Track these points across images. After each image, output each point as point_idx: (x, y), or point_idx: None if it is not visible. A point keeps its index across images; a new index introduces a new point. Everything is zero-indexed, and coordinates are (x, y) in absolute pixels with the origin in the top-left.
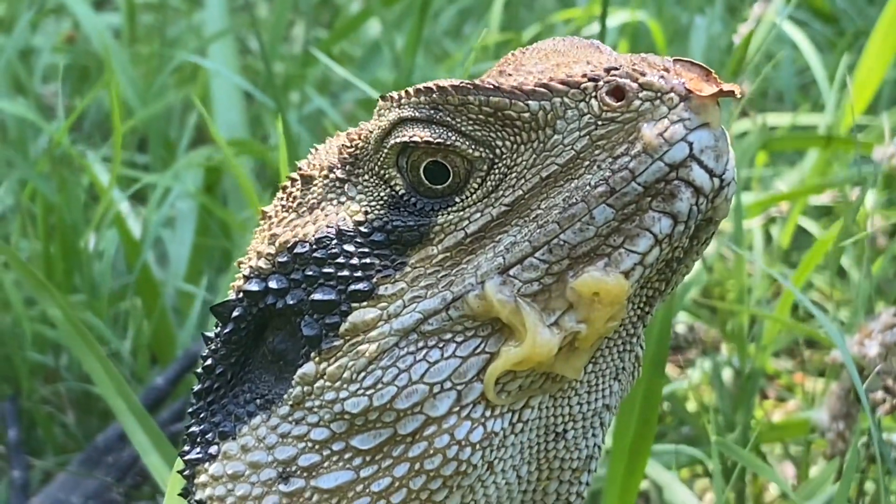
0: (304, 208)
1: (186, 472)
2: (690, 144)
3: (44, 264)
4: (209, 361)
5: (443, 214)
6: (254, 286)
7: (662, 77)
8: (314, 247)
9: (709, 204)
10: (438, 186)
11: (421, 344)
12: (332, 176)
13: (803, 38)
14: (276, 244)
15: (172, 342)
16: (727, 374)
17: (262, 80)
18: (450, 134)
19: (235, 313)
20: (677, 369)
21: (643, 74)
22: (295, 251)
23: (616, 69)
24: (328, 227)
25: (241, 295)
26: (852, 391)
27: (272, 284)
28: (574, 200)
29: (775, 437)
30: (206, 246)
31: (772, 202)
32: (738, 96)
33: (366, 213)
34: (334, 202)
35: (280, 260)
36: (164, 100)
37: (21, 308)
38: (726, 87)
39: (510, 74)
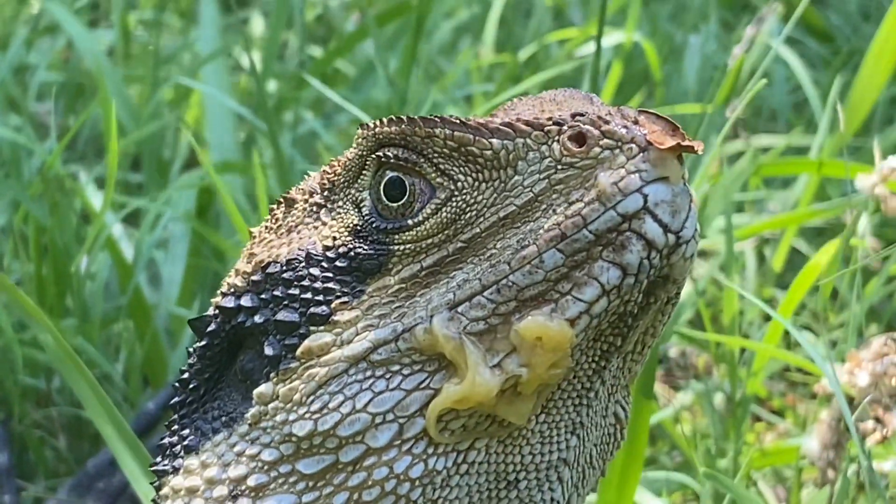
0: (283, 230)
1: (155, 483)
2: (645, 196)
3: (36, 287)
4: (185, 375)
5: (399, 240)
6: (229, 303)
7: (625, 127)
8: (284, 268)
9: (663, 260)
10: (394, 204)
11: (369, 373)
12: (311, 200)
13: (796, 59)
14: (253, 263)
15: (164, 365)
16: (718, 399)
17: (256, 101)
18: (418, 158)
19: (210, 328)
20: (669, 393)
21: (606, 123)
22: (267, 271)
23: (581, 115)
24: (300, 249)
25: (216, 311)
26: (842, 421)
27: (244, 302)
28: (527, 242)
29: (766, 462)
30: (198, 268)
31: (763, 228)
32: (699, 153)
33: (334, 238)
34: (310, 226)
35: (254, 279)
36: (157, 121)
37: (11, 332)
38: (688, 143)
39: (495, 115)
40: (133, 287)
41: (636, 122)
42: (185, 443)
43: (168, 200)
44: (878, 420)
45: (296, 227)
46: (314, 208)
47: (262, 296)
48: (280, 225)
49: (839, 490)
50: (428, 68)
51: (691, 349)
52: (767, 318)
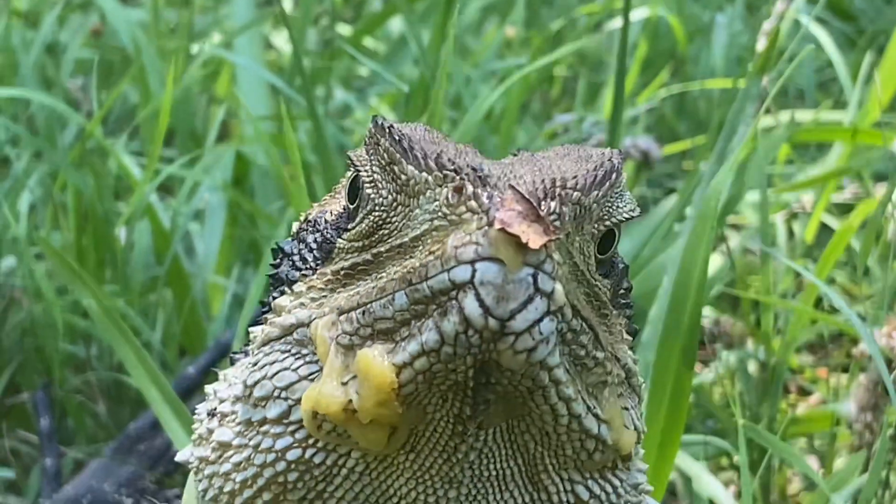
0: (333, 193)
1: None
2: (474, 271)
3: (76, 255)
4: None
5: (342, 238)
6: (283, 244)
7: (490, 197)
8: (304, 226)
9: (485, 345)
10: (351, 205)
11: (288, 347)
12: (349, 172)
13: (826, 35)
14: (303, 216)
15: (202, 334)
16: (752, 368)
17: (287, 75)
18: (368, 162)
19: (271, 261)
20: (702, 363)
21: (483, 185)
22: (302, 225)
23: (475, 170)
24: (320, 213)
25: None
26: (880, 383)
27: (283, 245)
28: (392, 277)
29: (800, 429)
30: (235, 237)
31: (800, 187)
32: (542, 258)
33: (334, 213)
34: (337, 196)
35: (296, 229)
36: (191, 93)
37: (53, 298)
38: (533, 240)
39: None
40: (172, 255)
41: (502, 191)
42: (232, 357)
43: (206, 168)
44: None
45: (336, 194)
46: (348, 179)
47: (291, 247)
48: (338, 189)
49: (878, 451)
50: (456, 45)
51: (726, 318)
52: (798, 291)
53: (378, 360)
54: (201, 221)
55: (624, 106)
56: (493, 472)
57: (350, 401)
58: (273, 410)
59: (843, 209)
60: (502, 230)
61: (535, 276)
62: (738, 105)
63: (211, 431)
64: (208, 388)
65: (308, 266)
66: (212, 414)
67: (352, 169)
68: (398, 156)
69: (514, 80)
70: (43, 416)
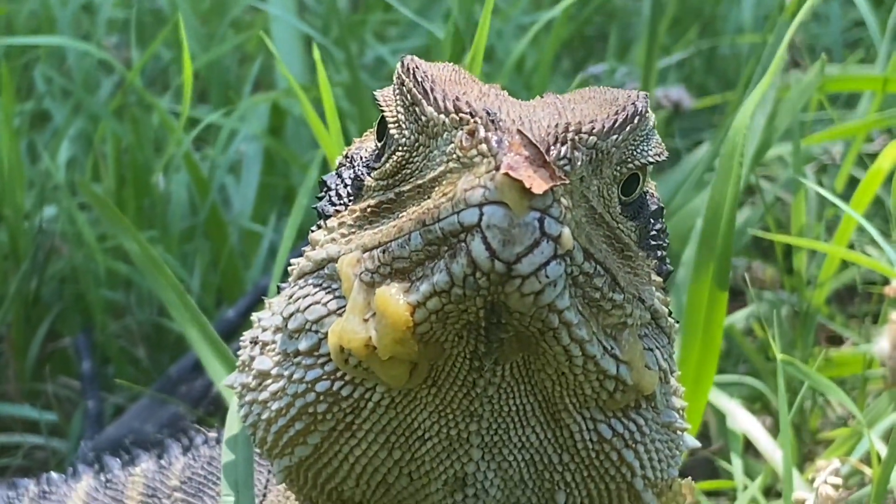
0: (372, 130)
1: None
2: (481, 215)
3: (116, 203)
4: None
5: (369, 177)
6: (327, 178)
7: (499, 141)
8: (343, 161)
9: (493, 287)
10: (379, 143)
11: (319, 281)
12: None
13: None
14: (346, 150)
15: (240, 281)
16: (784, 314)
17: (322, 30)
18: (394, 103)
19: (318, 195)
20: (735, 309)
21: (494, 129)
22: (341, 160)
23: (489, 114)
24: (356, 150)
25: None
26: None
27: (326, 179)
28: (411, 217)
29: (832, 372)
30: (271, 186)
31: (830, 137)
32: (548, 203)
33: (370, 150)
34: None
35: (339, 163)
36: (225, 45)
37: (95, 244)
38: (537, 185)
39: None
40: (210, 203)
41: (511, 136)
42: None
43: (242, 117)
44: None
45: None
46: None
47: (332, 180)
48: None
49: None
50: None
51: (758, 264)
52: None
53: (395, 299)
54: (237, 174)
55: (656, 55)
56: (513, 408)
57: (370, 337)
58: (304, 343)
59: (873, 160)
60: (507, 175)
61: (541, 221)
62: (766, 55)
63: (252, 359)
64: (254, 316)
65: (342, 202)
66: (254, 342)
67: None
68: (419, 97)
69: (541, 25)
70: (84, 360)
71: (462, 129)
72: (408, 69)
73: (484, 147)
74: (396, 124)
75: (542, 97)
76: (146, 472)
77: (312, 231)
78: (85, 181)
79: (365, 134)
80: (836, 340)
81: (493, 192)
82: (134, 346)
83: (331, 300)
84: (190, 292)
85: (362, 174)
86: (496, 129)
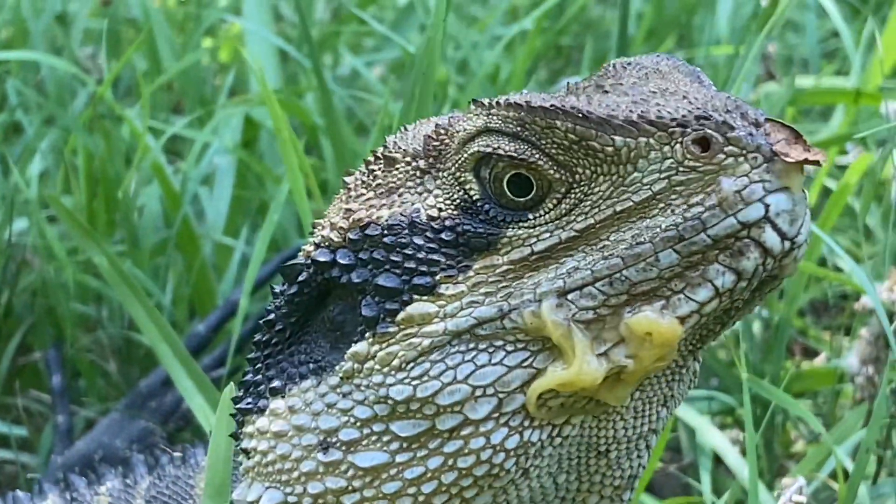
0: (383, 189)
1: (237, 419)
2: (767, 206)
3: (87, 217)
4: (272, 316)
5: (513, 228)
6: (323, 256)
7: (751, 134)
8: (385, 232)
9: (776, 263)
10: (521, 199)
11: (472, 346)
12: (414, 164)
13: (830, 2)
14: (350, 220)
15: (212, 295)
16: (756, 329)
17: (296, 42)
18: (534, 152)
19: (301, 277)
20: None
21: (732, 129)
22: (366, 231)
23: (706, 119)
24: (402, 215)
25: (308, 261)
26: (881, 336)
27: (340, 259)
28: (642, 240)
29: (803, 386)
30: (243, 200)
31: None
32: (823, 164)
33: (440, 209)
34: (412, 191)
35: (351, 237)
36: (198, 54)
37: (65, 258)
38: (813, 155)
39: (606, 92)
40: (181, 217)
41: (757, 126)
42: (271, 384)
43: (215, 129)
44: None
45: (397, 189)
46: (418, 173)
47: (360, 255)
48: (379, 183)
49: (878, 403)
50: (462, 13)
51: None
52: None
53: (662, 320)
54: (211, 186)
55: None
56: (686, 376)
57: (614, 368)
58: (482, 409)
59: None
60: (784, 161)
61: (804, 189)
62: (736, 68)
63: (336, 462)
64: (273, 427)
65: (441, 267)
66: (324, 447)
67: (497, 160)
68: (593, 132)
69: (513, 36)
70: (55, 375)
71: (680, 142)
72: (541, 114)
73: (733, 148)
74: (556, 167)
75: (623, 68)
76: (111, 490)
77: (404, 310)
78: (53, 194)
79: (341, 203)
80: (815, 352)
81: (775, 181)
82: (105, 360)
83: (504, 357)
84: (161, 306)
85: (475, 230)
86: (731, 127)
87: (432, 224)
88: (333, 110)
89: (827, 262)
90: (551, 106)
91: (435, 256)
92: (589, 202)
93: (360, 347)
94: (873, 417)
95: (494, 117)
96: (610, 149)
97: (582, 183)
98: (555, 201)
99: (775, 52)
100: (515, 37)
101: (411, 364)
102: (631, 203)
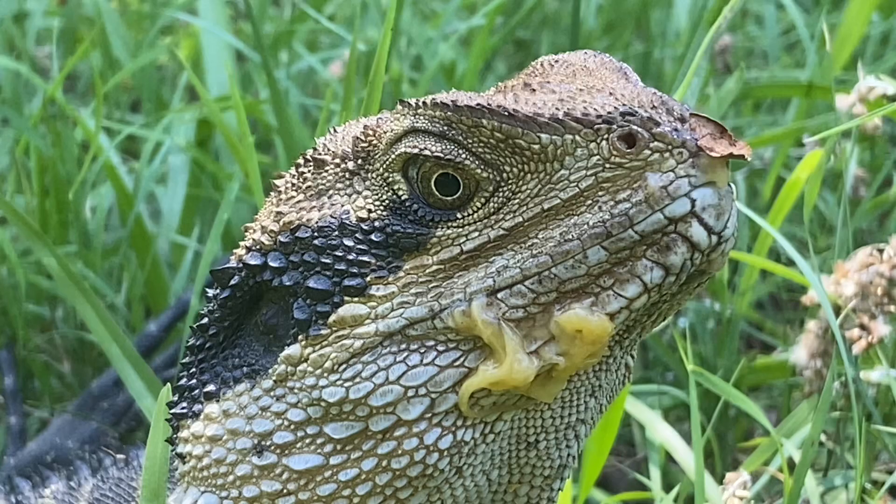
0: (313, 192)
1: (173, 423)
2: (693, 201)
3: (39, 218)
4: (204, 320)
5: (442, 227)
6: (254, 260)
7: (676, 130)
8: (315, 234)
9: (704, 258)
10: (448, 198)
11: (403, 346)
12: (343, 166)
13: None
14: (280, 223)
15: (166, 294)
16: (710, 324)
17: (252, 40)
18: (460, 151)
19: (233, 281)
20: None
21: (657, 124)
22: (297, 234)
23: (632, 115)
24: (332, 217)
25: (240, 265)
26: (829, 330)
27: (271, 262)
28: (570, 237)
29: (758, 379)
30: (198, 198)
31: (757, 145)
32: (749, 159)
33: (369, 210)
34: (342, 193)
35: (281, 240)
36: (153, 53)
37: (16, 259)
38: (738, 149)
39: (533, 90)
40: (134, 215)
41: (683, 121)
42: (206, 389)
43: (167, 128)
44: (863, 328)
45: (326, 191)
46: (346, 175)
47: (291, 258)
48: (309, 186)
49: (823, 394)
50: (421, 7)
51: None
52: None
53: (591, 316)
54: (165, 184)
55: None
56: (613, 366)
57: (545, 366)
58: (414, 410)
59: None
60: (709, 155)
61: (729, 183)
62: (687, 61)
63: (271, 466)
64: (204, 431)
65: (371, 268)
66: (259, 450)
67: (424, 160)
68: (519, 130)
69: (465, 31)
70: (7, 376)
71: (606, 139)
72: (479, 110)
73: (659, 144)
74: (482, 165)
75: (550, 66)
76: (55, 493)
77: (335, 312)
78: (2, 197)
79: (270, 205)
80: (774, 347)
81: (701, 176)
82: (58, 361)
83: (435, 357)
84: (115, 307)
85: (404, 230)
86: (657, 123)
87: (362, 225)
88: (284, 110)
89: (780, 256)
90: (477, 105)
91: (365, 258)
92: (517, 200)
93: (292, 350)
94: (818, 410)
95: (421, 117)
96: (536, 147)
97: (510, 181)
98: (483, 200)
99: (734, 45)
100: (473, 32)
101: (343, 366)
102: (558, 200)
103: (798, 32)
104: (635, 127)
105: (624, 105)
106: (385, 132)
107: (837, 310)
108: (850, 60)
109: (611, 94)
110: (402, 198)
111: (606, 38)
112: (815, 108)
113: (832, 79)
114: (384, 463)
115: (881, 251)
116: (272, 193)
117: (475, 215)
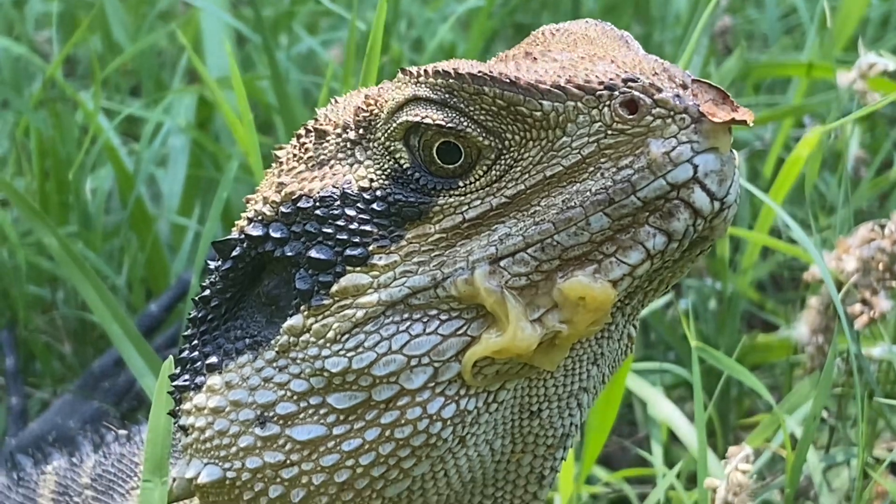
0: (314, 162)
1: (175, 396)
2: (695, 167)
3: (39, 199)
4: (206, 292)
5: (444, 196)
6: (255, 230)
7: (678, 96)
8: (317, 204)
9: (706, 224)
10: (450, 166)
11: (406, 316)
12: (344, 136)
13: None
14: (282, 193)
15: (166, 274)
16: (712, 304)
17: (252, 22)
18: (462, 119)
19: (235, 252)
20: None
21: (659, 91)
22: (298, 204)
23: (633, 81)
24: (334, 186)
25: (242, 236)
26: (831, 306)
27: (273, 233)
28: (573, 204)
29: (759, 358)
30: (197, 180)
31: (757, 123)
32: (751, 124)
33: (371, 180)
34: (343, 163)
35: (283, 210)
36: (154, 35)
37: (17, 241)
38: (740, 115)
39: (535, 59)
40: (135, 197)
41: (685, 88)
42: (208, 361)
43: (167, 109)
44: (865, 303)
45: (328, 161)
46: (348, 144)
47: (293, 228)
48: (311, 156)
49: (825, 369)
50: None
51: None
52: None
53: (594, 283)
54: (166, 166)
55: None
56: (615, 333)
57: (548, 333)
58: (417, 379)
59: None
60: (711, 121)
61: (731, 150)
62: (685, 43)
63: (273, 437)
64: (210, 403)
65: (373, 237)
66: (261, 421)
67: (426, 129)
68: (520, 97)
69: (462, 13)
70: (8, 357)
71: (608, 105)
72: (469, 80)
73: (661, 110)
74: (485, 133)
75: (552, 34)
76: (58, 469)
77: (337, 282)
78: (2, 178)
79: (270, 177)
80: (776, 327)
81: (703, 142)
82: (59, 342)
83: (438, 326)
84: (116, 287)
85: (406, 199)
86: (658, 89)
87: (364, 195)
88: (285, 89)
89: (782, 235)
90: (479, 72)
91: (367, 227)
92: (519, 168)
93: (295, 321)
94: (820, 386)
95: (423, 86)
96: (538, 114)
97: (511, 149)
98: (485, 168)
99: (734, 27)
100: (473, 14)
101: (346, 336)
102: (561, 168)
103: (798, 16)
104: (637, 93)
105: (626, 72)
106: (386, 101)
107: (839, 285)
108: (849, 42)
109: (612, 61)
110: (404, 166)
111: (607, 20)
112: (816, 87)
113: (833, 56)
114: (387, 433)
115: (882, 227)
116: (273, 164)
117: (477, 183)
